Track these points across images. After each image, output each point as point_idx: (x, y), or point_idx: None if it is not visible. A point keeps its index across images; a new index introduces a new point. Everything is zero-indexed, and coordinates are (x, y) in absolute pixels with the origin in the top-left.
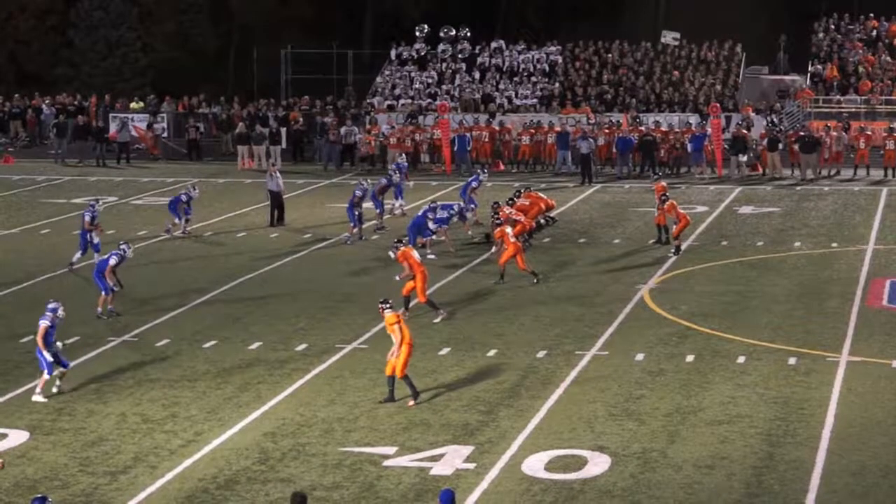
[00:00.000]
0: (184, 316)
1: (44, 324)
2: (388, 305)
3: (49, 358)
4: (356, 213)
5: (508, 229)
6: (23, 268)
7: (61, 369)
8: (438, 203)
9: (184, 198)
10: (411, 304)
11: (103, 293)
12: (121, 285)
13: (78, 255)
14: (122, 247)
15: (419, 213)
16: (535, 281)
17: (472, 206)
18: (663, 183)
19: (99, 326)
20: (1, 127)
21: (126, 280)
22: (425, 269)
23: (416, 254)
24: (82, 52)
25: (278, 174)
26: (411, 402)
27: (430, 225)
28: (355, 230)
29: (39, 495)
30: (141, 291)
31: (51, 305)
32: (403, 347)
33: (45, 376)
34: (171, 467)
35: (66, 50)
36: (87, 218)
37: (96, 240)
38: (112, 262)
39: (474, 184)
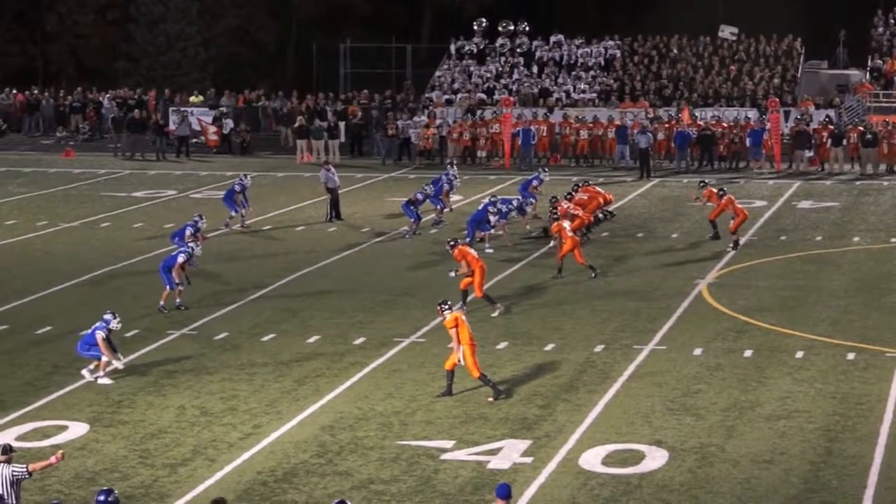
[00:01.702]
0: (243, 309)
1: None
2: (447, 307)
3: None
4: (412, 209)
5: (566, 224)
6: (84, 261)
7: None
8: (498, 197)
9: (237, 188)
10: (469, 299)
11: (168, 288)
12: (188, 282)
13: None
14: (191, 245)
15: (479, 208)
16: (592, 275)
17: (532, 200)
18: (714, 189)
19: (159, 319)
20: (62, 121)
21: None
22: (484, 265)
23: (472, 250)
24: (142, 46)
25: (333, 169)
26: (491, 399)
27: (491, 219)
28: (414, 224)
29: (105, 488)
30: (200, 285)
31: (106, 317)
32: (465, 349)
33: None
34: (229, 460)
35: (125, 44)
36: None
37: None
38: (180, 259)
39: (535, 182)
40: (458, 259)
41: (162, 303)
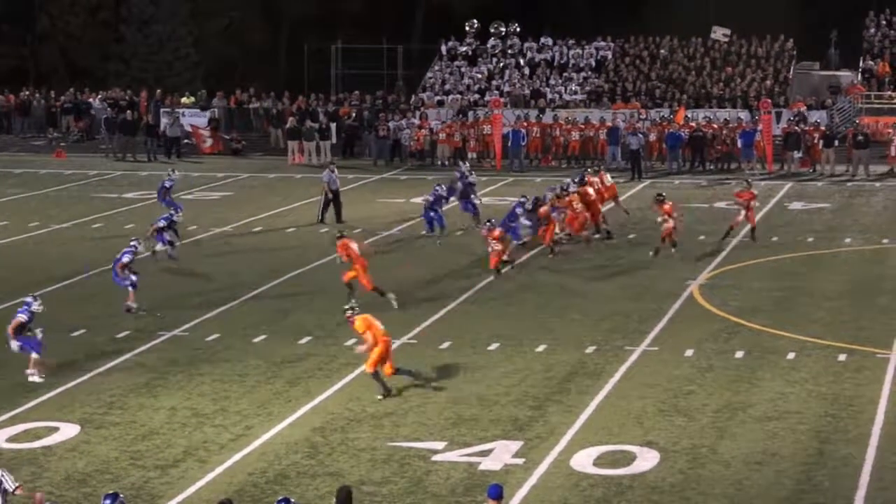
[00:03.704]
0: (234, 311)
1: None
2: (352, 311)
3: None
4: (431, 214)
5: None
6: (75, 262)
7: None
8: (527, 197)
9: (168, 184)
10: (397, 294)
11: (130, 289)
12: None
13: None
14: (132, 243)
15: (510, 212)
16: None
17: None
18: (754, 191)
19: (150, 320)
20: (53, 122)
21: (176, 275)
22: (365, 261)
23: (354, 244)
24: (133, 47)
25: (336, 171)
26: (379, 397)
27: (522, 220)
28: (440, 229)
29: (111, 492)
30: (191, 286)
31: (27, 300)
32: (379, 346)
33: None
34: (220, 461)
35: (116, 45)
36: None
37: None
38: (125, 259)
39: (519, 209)
40: (340, 252)
41: (130, 303)
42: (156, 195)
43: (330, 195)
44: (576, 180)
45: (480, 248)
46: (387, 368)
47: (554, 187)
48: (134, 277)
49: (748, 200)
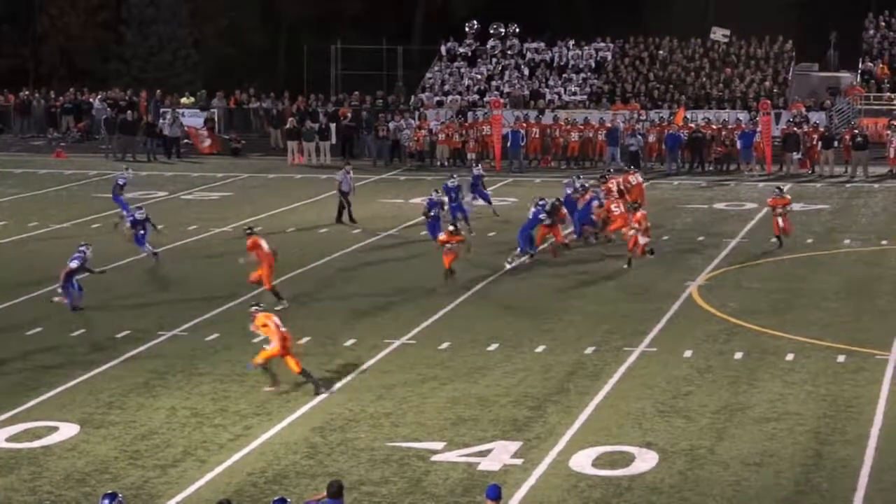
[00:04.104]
0: (233, 311)
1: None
2: (259, 308)
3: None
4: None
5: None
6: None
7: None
8: (546, 200)
9: (121, 182)
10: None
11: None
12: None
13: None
14: (81, 248)
15: (530, 218)
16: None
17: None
18: (787, 197)
19: (151, 320)
20: (53, 122)
21: (176, 274)
22: (273, 260)
23: (265, 243)
24: (133, 48)
25: (352, 172)
26: (267, 388)
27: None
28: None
29: (110, 492)
30: (191, 286)
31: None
32: (277, 342)
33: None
34: (220, 461)
35: (116, 46)
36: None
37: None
38: (73, 265)
39: (568, 190)
40: (250, 249)
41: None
42: (111, 194)
43: (339, 196)
44: (601, 178)
45: (480, 249)
46: (293, 366)
47: (571, 181)
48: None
49: (784, 206)
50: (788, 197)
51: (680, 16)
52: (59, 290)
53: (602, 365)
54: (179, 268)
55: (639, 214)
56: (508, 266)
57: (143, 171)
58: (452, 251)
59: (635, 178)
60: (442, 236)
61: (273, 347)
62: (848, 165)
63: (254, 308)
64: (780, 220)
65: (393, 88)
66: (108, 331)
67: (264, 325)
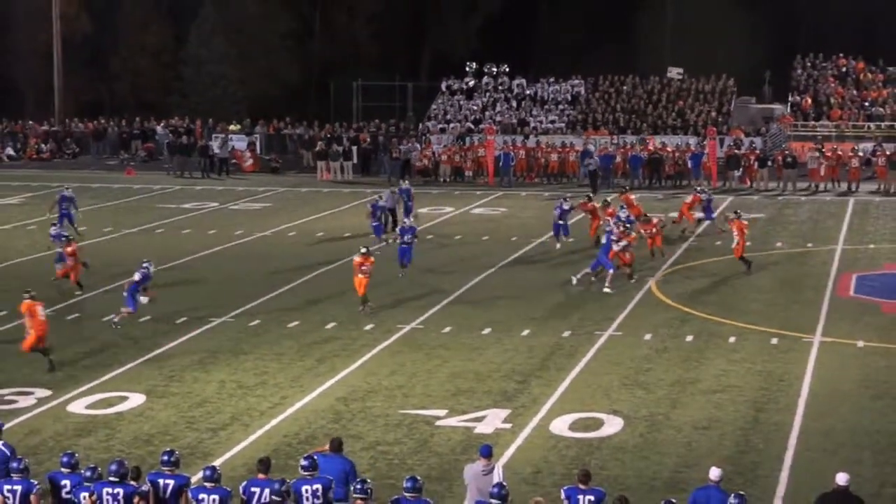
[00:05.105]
0: (273, 301)
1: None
2: (29, 295)
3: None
4: (375, 224)
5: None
6: (141, 260)
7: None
8: (566, 198)
9: (66, 194)
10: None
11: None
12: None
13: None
14: (145, 264)
15: (560, 216)
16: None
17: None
18: (744, 221)
19: (205, 308)
20: (124, 146)
21: (224, 272)
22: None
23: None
24: (191, 84)
25: (397, 192)
26: (48, 368)
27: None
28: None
29: (167, 449)
30: (238, 280)
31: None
32: (33, 331)
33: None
34: (261, 425)
35: (177, 82)
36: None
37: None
38: (137, 277)
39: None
40: (24, 311)
41: (116, 319)
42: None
43: (388, 211)
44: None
45: (476, 250)
46: (28, 345)
47: (560, 203)
48: (144, 300)
49: (741, 229)
50: (745, 221)
51: (642, 58)
52: (123, 305)
53: (577, 346)
54: (227, 265)
55: (655, 219)
56: (575, 281)
57: (197, 186)
58: (366, 275)
59: (632, 198)
60: (357, 258)
61: (32, 335)
62: (780, 181)
63: (25, 294)
64: (737, 240)
65: (404, 117)
66: (169, 318)
67: (25, 312)
